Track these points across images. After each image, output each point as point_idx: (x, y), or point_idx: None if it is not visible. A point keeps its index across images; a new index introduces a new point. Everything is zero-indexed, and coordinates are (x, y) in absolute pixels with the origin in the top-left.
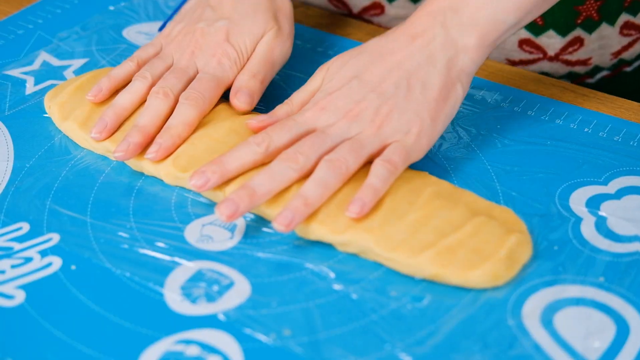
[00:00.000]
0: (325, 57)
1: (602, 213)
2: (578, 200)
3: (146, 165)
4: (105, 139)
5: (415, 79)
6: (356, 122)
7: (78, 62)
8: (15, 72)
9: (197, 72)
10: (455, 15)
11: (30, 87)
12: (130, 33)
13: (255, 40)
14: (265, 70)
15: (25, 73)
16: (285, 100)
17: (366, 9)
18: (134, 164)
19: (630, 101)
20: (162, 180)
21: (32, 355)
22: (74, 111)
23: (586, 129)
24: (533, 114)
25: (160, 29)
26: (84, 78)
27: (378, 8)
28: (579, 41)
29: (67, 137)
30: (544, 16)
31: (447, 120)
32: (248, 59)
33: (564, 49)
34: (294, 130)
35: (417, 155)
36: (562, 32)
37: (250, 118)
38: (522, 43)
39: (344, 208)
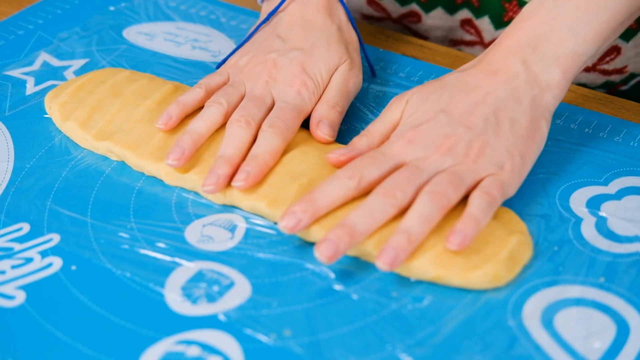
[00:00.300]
0: None
1: (602, 213)
2: (578, 200)
3: (147, 165)
4: (182, 166)
5: (502, 114)
6: (449, 156)
7: (78, 63)
8: (16, 73)
9: (274, 102)
10: (536, 51)
11: (30, 88)
12: (131, 33)
13: (330, 72)
14: (343, 102)
15: (26, 73)
16: (363, 132)
17: (404, 16)
18: (135, 164)
19: (630, 101)
20: (162, 181)
21: (32, 355)
22: (74, 111)
23: (587, 130)
24: None
25: (220, 64)
26: (84, 78)
27: (415, 16)
28: (615, 50)
29: (68, 137)
30: None
31: (534, 159)
32: (324, 90)
33: (601, 59)
34: (385, 165)
35: (511, 191)
36: None
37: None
38: None
39: (345, 210)
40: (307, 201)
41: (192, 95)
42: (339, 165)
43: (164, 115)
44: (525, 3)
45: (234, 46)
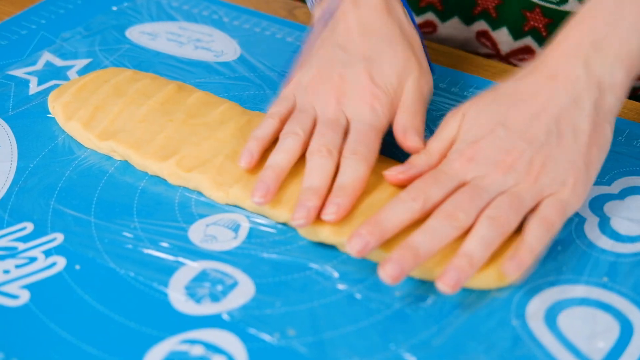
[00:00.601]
0: None
1: (605, 213)
2: None
3: (150, 164)
4: (269, 202)
5: (564, 124)
6: (510, 174)
7: (81, 63)
8: (19, 72)
9: (348, 121)
10: (598, 52)
11: (33, 87)
12: (133, 33)
13: (399, 77)
14: (422, 110)
15: (29, 73)
16: (422, 151)
17: (419, 26)
18: (138, 163)
19: (633, 101)
20: (165, 181)
21: (37, 355)
22: (77, 111)
23: None
24: None
25: (282, 78)
26: (87, 78)
27: (430, 26)
28: None
29: (71, 137)
30: None
31: (599, 166)
32: (398, 97)
33: None
34: (448, 185)
35: (574, 207)
36: None
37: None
38: None
39: (351, 212)
40: (373, 224)
41: (267, 128)
42: (398, 184)
43: (245, 154)
44: (549, 10)
45: (236, 46)
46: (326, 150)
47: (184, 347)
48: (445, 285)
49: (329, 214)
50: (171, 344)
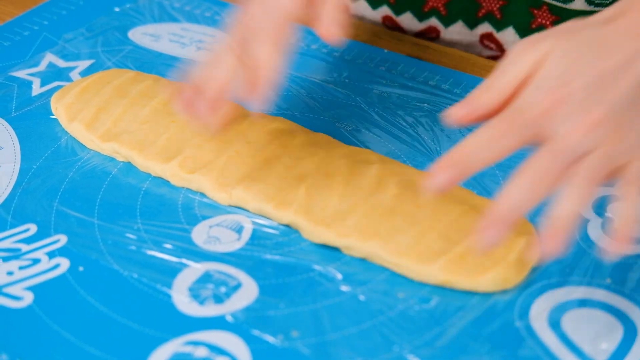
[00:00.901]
0: (331, 56)
1: (609, 214)
2: None
3: (153, 166)
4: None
5: None
6: (595, 132)
7: (84, 64)
8: (21, 74)
9: None
10: None
11: (36, 89)
12: (136, 34)
13: None
14: None
15: (31, 74)
16: (483, 85)
17: (421, 33)
18: (141, 164)
19: None
20: (169, 182)
21: (40, 356)
22: (80, 112)
23: None
24: None
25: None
26: (90, 79)
27: (433, 32)
28: None
29: (74, 138)
30: None
31: None
32: None
33: None
34: (525, 134)
35: None
36: None
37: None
38: None
39: (352, 212)
40: (457, 162)
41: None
42: (462, 122)
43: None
44: (557, 8)
45: None
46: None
47: (188, 349)
48: (545, 247)
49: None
50: (175, 345)
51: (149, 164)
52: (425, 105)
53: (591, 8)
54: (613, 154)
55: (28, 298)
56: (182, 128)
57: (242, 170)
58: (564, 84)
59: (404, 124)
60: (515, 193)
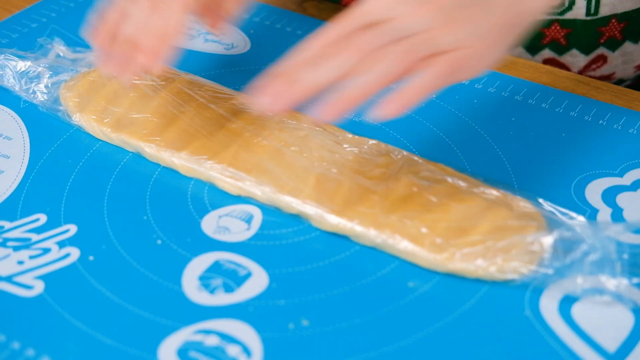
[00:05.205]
0: None
1: (618, 205)
2: (594, 192)
3: (162, 156)
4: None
5: None
6: (425, 18)
7: (92, 55)
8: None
9: None
10: None
11: (45, 80)
12: None
13: None
14: None
15: (40, 66)
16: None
17: None
18: (150, 155)
19: None
20: (178, 172)
21: (52, 344)
22: (89, 103)
23: (601, 121)
24: (547, 106)
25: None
26: (98, 71)
27: None
28: (602, 58)
29: (83, 129)
30: (567, 37)
31: (507, 48)
32: None
33: (587, 67)
34: (360, 23)
35: (473, 71)
36: (585, 52)
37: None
38: (547, 62)
39: (362, 200)
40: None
41: None
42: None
43: None
44: (565, 21)
45: (246, 39)
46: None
47: (199, 337)
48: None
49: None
50: (185, 334)
51: (158, 155)
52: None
53: (548, 17)
54: (437, 39)
55: (39, 287)
56: (191, 118)
57: (251, 160)
58: None
59: (413, 114)
60: (326, 71)
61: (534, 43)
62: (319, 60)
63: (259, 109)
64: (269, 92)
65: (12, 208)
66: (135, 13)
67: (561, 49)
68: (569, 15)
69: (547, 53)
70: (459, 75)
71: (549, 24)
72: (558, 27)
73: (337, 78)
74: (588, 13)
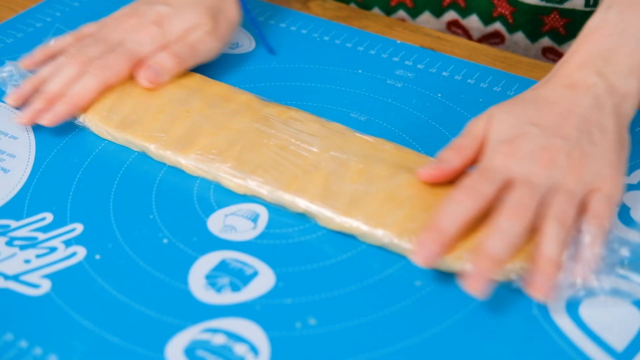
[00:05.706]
0: (343, 48)
1: (625, 203)
2: None
3: (167, 156)
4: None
5: (591, 124)
6: (554, 169)
7: None
8: None
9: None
10: (609, 63)
11: None
12: None
13: (186, 29)
14: (187, 56)
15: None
16: (448, 147)
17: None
18: (155, 154)
19: None
20: (184, 171)
21: (59, 342)
22: (94, 103)
23: None
24: None
25: None
26: None
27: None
28: None
29: (88, 128)
30: (566, 26)
31: (626, 164)
32: (174, 43)
33: None
34: (497, 181)
35: (618, 200)
36: None
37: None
38: (546, 51)
39: (369, 200)
40: (434, 230)
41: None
42: (433, 181)
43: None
44: (564, 10)
45: (250, 37)
46: (80, 60)
47: (206, 336)
48: (538, 292)
49: (44, 118)
50: (192, 333)
51: (164, 154)
52: (439, 95)
53: (548, 4)
54: (575, 189)
55: (45, 286)
56: (196, 117)
57: (257, 159)
58: (510, 141)
59: (418, 113)
60: (504, 228)
61: (533, 29)
62: (500, 227)
63: (416, 261)
64: (424, 248)
65: (18, 207)
66: (63, 72)
67: (560, 39)
68: (568, 5)
69: (546, 41)
70: (615, 203)
71: (548, 11)
72: (557, 16)
73: (524, 238)
74: (587, 4)
